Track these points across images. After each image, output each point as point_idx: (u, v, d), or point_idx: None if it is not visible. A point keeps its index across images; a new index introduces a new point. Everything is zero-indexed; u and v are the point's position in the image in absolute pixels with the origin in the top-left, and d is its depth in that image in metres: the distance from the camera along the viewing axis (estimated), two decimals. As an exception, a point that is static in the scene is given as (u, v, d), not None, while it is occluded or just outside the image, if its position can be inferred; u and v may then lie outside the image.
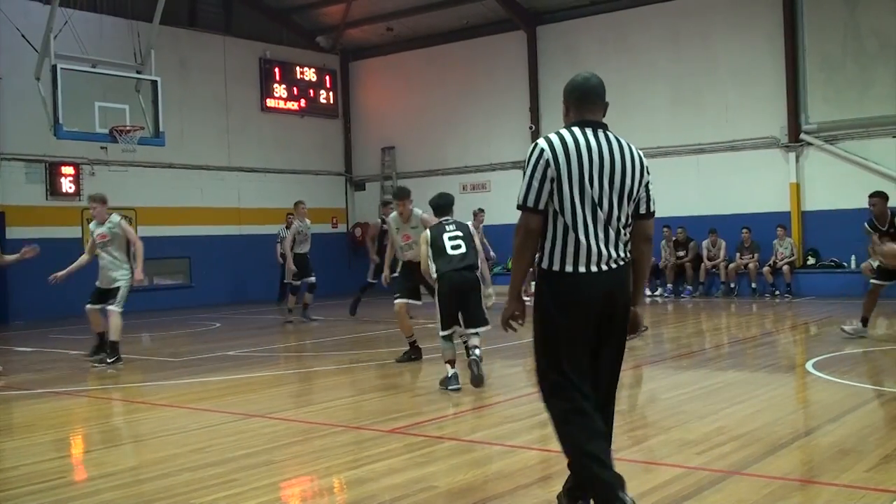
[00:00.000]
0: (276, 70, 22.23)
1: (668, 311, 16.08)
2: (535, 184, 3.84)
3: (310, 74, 22.97)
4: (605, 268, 3.87)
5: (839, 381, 7.76)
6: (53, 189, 17.87)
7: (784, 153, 17.93)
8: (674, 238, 18.66)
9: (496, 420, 6.74)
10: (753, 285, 17.68)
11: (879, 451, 5.26)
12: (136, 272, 10.25)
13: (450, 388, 7.86)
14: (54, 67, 13.91)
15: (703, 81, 18.74)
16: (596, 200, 3.86)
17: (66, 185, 18.03)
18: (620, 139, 3.99)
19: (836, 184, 17.35)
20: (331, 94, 23.52)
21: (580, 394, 3.87)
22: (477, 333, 7.91)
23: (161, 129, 15.33)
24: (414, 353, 9.79)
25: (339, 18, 22.12)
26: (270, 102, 22.12)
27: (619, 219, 3.91)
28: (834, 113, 17.43)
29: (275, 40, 22.43)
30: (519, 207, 3.88)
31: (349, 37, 23.13)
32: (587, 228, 3.85)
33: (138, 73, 15.14)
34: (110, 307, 10.19)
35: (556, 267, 3.88)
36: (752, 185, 18.16)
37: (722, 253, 18.09)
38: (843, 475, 4.79)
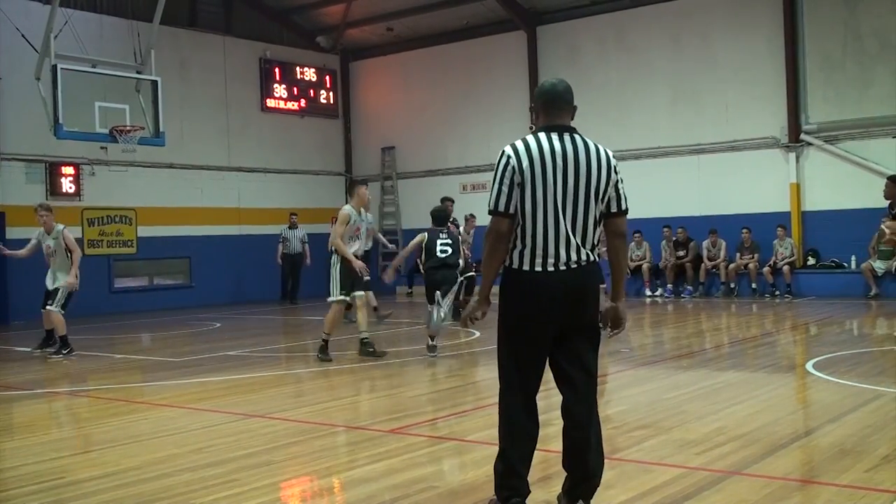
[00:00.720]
0: (277, 70, 22.22)
1: (668, 311, 16.08)
2: (505, 189, 3.99)
3: (310, 74, 22.97)
4: (563, 268, 3.99)
5: (839, 381, 7.76)
6: (54, 189, 17.87)
7: (784, 153, 17.93)
8: (674, 238, 18.66)
9: (496, 420, 6.72)
10: (753, 285, 17.69)
11: (879, 451, 5.26)
12: (69, 277, 11.23)
13: (430, 355, 9.95)
14: (54, 67, 13.90)
15: (704, 81, 18.74)
16: (559, 204, 3.97)
17: (67, 185, 18.04)
18: (588, 141, 4.08)
19: (836, 184, 17.36)
20: (331, 94, 23.52)
21: (526, 394, 4.08)
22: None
23: (161, 130, 15.32)
24: (324, 353, 10.31)
25: (339, 18, 22.13)
26: (270, 102, 22.11)
27: (585, 220, 4.01)
28: (834, 113, 17.43)
29: (275, 40, 22.43)
30: (490, 213, 4.03)
31: (349, 37, 23.13)
32: (547, 231, 3.97)
33: (138, 73, 15.14)
34: (49, 307, 11.25)
35: (515, 265, 4.04)
36: (752, 185, 18.16)
37: (722, 253, 18.09)
38: (843, 475, 4.79)
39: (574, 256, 4.00)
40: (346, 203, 10.33)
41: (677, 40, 19.09)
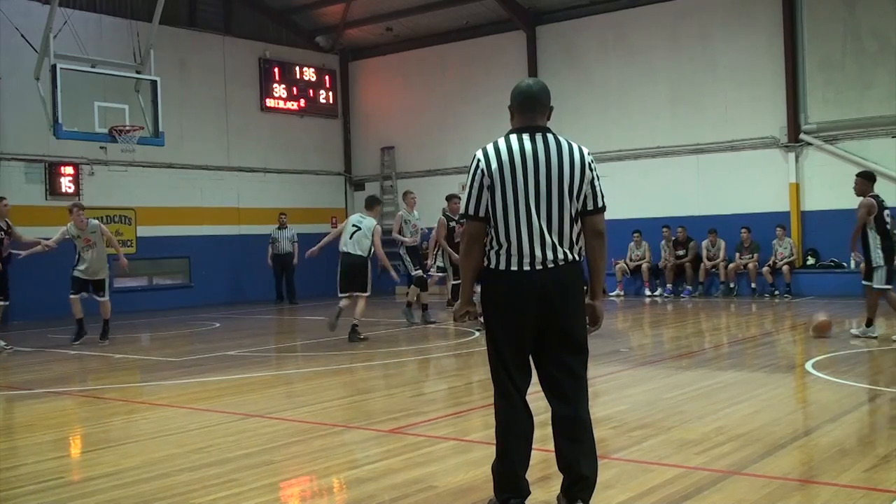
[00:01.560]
0: (276, 70, 22.22)
1: (667, 310, 16.08)
2: (474, 192, 4.08)
3: (309, 74, 22.96)
4: (539, 267, 4.01)
5: (838, 381, 7.77)
6: (53, 189, 17.86)
7: (783, 153, 17.94)
8: (673, 238, 18.66)
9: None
10: (753, 285, 17.68)
11: (878, 451, 5.26)
12: (122, 260, 12.94)
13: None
14: (54, 67, 13.89)
15: (703, 81, 18.74)
16: (532, 204, 4.00)
17: (66, 185, 18.02)
18: (562, 140, 4.10)
19: (835, 184, 17.32)
20: (330, 94, 23.51)
21: (519, 395, 4.09)
22: None
23: (160, 129, 15.32)
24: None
25: (338, 18, 22.13)
26: (270, 102, 22.11)
27: (560, 218, 4.03)
28: (833, 113, 17.43)
29: (274, 40, 22.43)
30: (461, 216, 4.13)
31: (349, 37, 23.14)
32: (521, 231, 4.00)
33: (138, 72, 15.13)
34: (102, 298, 12.45)
35: (492, 265, 4.09)
36: (751, 185, 18.16)
37: (721, 253, 18.09)
38: (843, 475, 4.79)
39: (551, 255, 4.01)
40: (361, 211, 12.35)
41: (677, 40, 19.09)
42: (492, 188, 4.02)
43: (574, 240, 4.08)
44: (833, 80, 17.47)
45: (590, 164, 4.09)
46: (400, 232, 13.83)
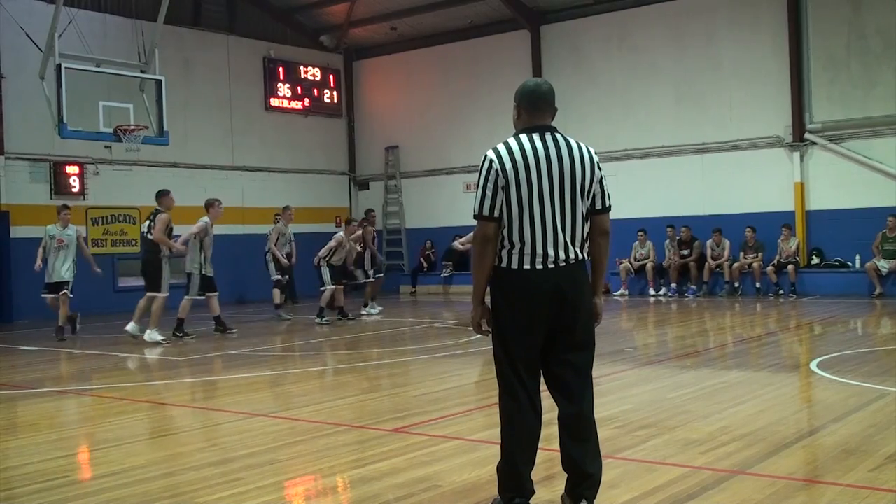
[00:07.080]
0: (280, 69, 22.24)
1: (671, 310, 16.06)
2: (489, 193, 4.02)
3: (313, 74, 22.98)
4: (551, 266, 4.02)
5: (843, 380, 7.75)
6: (58, 188, 17.88)
7: (788, 152, 17.91)
8: (678, 237, 18.64)
9: (499, 419, 6.71)
10: (757, 285, 17.66)
11: (884, 450, 5.25)
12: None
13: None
14: (58, 67, 13.92)
15: (708, 81, 18.72)
16: (546, 203, 4.00)
17: (71, 185, 18.05)
18: (570, 139, 4.11)
19: (840, 183, 17.33)
20: (334, 93, 23.52)
21: (527, 394, 4.07)
22: None
23: (165, 129, 15.34)
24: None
25: (342, 18, 22.13)
26: (274, 102, 22.13)
27: (573, 217, 4.04)
28: (838, 112, 17.40)
29: (279, 40, 22.44)
30: (475, 217, 4.05)
31: (353, 36, 23.14)
32: (535, 230, 4.00)
33: (142, 72, 15.16)
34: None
35: (504, 264, 4.06)
36: (756, 184, 18.14)
37: (726, 252, 18.07)
38: (848, 475, 4.78)
39: (563, 254, 4.02)
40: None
41: (681, 39, 19.07)
42: (507, 188, 3.99)
43: (584, 238, 4.11)
44: (838, 79, 17.44)
45: (598, 164, 4.12)
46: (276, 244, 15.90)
